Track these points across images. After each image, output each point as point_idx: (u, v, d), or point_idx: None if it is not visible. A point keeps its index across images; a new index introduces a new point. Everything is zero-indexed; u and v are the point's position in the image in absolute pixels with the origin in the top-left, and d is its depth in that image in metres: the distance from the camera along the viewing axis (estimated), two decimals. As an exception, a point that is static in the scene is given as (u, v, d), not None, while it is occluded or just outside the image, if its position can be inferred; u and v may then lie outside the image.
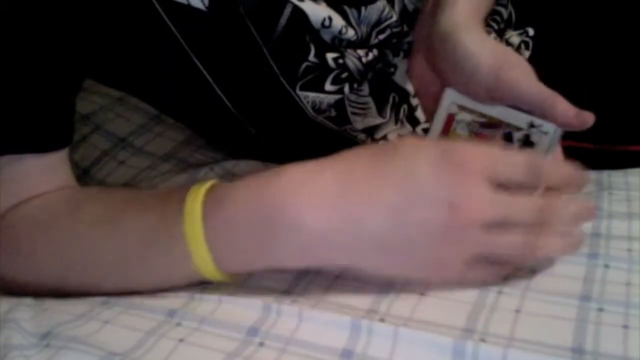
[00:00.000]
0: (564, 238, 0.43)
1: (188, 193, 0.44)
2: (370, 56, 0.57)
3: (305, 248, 0.41)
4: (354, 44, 0.56)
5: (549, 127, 0.46)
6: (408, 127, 0.65)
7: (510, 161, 0.42)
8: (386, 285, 0.44)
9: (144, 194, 0.48)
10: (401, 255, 0.41)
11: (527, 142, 0.47)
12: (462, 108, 0.49)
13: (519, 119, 0.47)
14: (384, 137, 0.65)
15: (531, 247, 0.42)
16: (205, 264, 0.43)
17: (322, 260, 0.42)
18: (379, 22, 0.57)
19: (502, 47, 0.47)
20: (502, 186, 0.41)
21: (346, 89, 0.57)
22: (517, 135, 0.47)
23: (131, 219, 0.45)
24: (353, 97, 0.59)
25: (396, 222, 0.40)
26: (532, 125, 0.46)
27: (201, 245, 0.42)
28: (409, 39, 0.59)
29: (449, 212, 0.39)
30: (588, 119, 0.44)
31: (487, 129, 0.48)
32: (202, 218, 0.42)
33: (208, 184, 0.44)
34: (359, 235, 0.40)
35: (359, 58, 0.57)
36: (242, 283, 0.45)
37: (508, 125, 0.47)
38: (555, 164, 0.45)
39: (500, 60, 0.46)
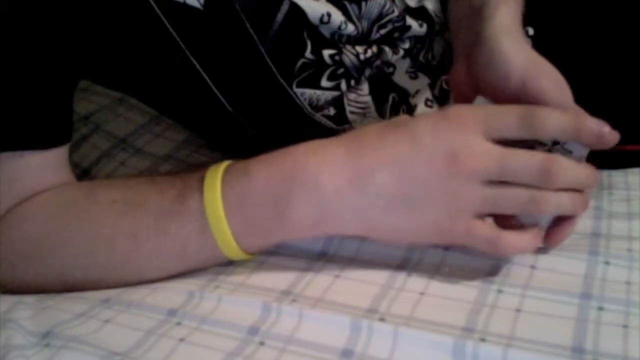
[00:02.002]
0: (569, 195, 0.42)
1: (206, 172, 0.45)
2: (369, 53, 0.57)
3: (320, 209, 0.43)
4: (355, 39, 0.56)
5: (573, 146, 0.45)
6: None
7: (503, 111, 0.43)
8: (386, 285, 0.44)
9: (159, 177, 0.49)
10: (407, 213, 0.42)
11: None
12: None
13: None
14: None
15: (536, 202, 0.41)
16: (224, 238, 0.44)
17: (335, 224, 0.44)
18: (380, 17, 0.57)
19: (538, 57, 0.47)
20: (503, 144, 0.42)
21: (343, 85, 0.57)
22: (540, 151, 0.46)
23: (148, 199, 0.46)
24: (352, 96, 0.59)
25: (401, 178, 0.42)
26: (555, 142, 0.46)
27: (220, 219, 0.44)
28: (409, 34, 0.59)
29: (447, 162, 0.41)
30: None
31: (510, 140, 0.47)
32: (221, 194, 0.44)
33: (225, 163, 0.46)
34: (367, 191, 0.42)
35: (357, 55, 0.57)
36: (242, 283, 0.45)
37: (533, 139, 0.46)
38: (551, 111, 0.43)
39: (532, 70, 0.45)
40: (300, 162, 0.44)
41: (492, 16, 0.49)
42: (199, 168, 0.61)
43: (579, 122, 0.42)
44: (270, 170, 0.44)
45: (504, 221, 0.44)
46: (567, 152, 0.46)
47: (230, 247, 0.45)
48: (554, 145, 0.46)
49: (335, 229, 0.44)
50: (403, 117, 0.45)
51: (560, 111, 0.43)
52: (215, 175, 0.45)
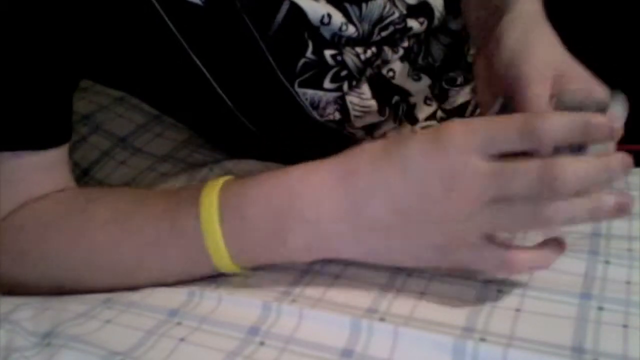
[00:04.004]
0: (585, 200, 0.37)
1: (202, 192, 0.45)
2: (369, 53, 0.57)
3: (317, 238, 0.43)
4: (355, 41, 0.56)
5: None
6: (407, 125, 0.65)
7: (500, 123, 0.39)
8: (386, 285, 0.44)
9: (152, 194, 0.49)
10: (405, 239, 0.41)
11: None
12: None
13: None
14: (383, 135, 0.65)
15: (543, 215, 0.37)
16: (222, 260, 0.44)
17: (331, 252, 0.44)
18: (381, 19, 0.57)
19: (533, 45, 0.45)
20: (505, 157, 0.38)
21: (345, 86, 0.58)
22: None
23: (142, 221, 0.46)
24: (356, 99, 0.60)
25: (395, 206, 0.40)
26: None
27: (219, 243, 0.43)
28: (411, 33, 0.59)
29: (441, 187, 0.39)
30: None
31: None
32: (219, 219, 0.43)
33: (220, 182, 0.45)
34: (362, 219, 0.41)
35: (357, 55, 0.57)
36: (242, 282, 0.45)
37: None
38: (550, 115, 0.39)
39: (519, 53, 0.44)
40: (296, 192, 0.43)
41: (507, 12, 0.48)
42: (205, 171, 0.61)
43: (584, 121, 0.37)
44: (266, 201, 0.44)
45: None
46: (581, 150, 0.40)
47: (227, 267, 0.45)
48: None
49: (331, 254, 0.44)
50: (395, 139, 0.42)
51: (561, 114, 0.39)
52: (211, 203, 0.44)
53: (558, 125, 0.37)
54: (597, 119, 0.38)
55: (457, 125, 0.40)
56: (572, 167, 0.37)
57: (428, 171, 0.39)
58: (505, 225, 0.39)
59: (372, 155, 0.42)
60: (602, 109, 0.42)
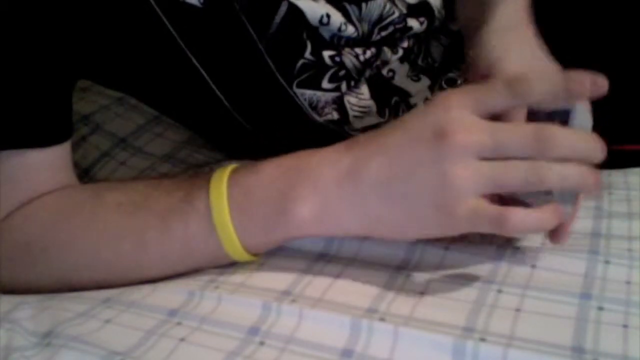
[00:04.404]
0: (574, 165, 0.39)
1: (214, 172, 0.46)
2: (368, 54, 0.57)
3: (322, 202, 0.43)
4: (355, 41, 0.56)
5: (572, 121, 0.43)
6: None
7: (488, 85, 0.41)
8: (386, 285, 0.44)
9: (166, 179, 0.50)
10: (403, 202, 0.41)
11: None
12: None
13: None
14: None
15: (537, 172, 0.39)
16: (229, 237, 0.44)
17: (336, 219, 0.43)
18: (380, 18, 0.57)
19: (513, 47, 0.47)
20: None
21: (343, 86, 0.58)
22: None
23: (155, 200, 0.47)
24: (354, 100, 0.59)
25: (392, 164, 0.42)
26: (551, 117, 0.43)
27: (225, 217, 0.44)
28: (411, 32, 0.59)
29: (435, 140, 0.40)
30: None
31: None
32: (227, 192, 0.44)
33: (233, 164, 0.47)
34: (362, 181, 0.42)
35: (357, 56, 0.57)
36: (242, 283, 0.45)
37: None
38: (535, 76, 0.41)
39: (498, 53, 0.46)
40: (304, 157, 0.45)
41: (488, 20, 0.50)
42: (207, 169, 0.61)
43: (565, 78, 0.40)
44: (276, 165, 0.45)
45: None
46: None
47: (234, 247, 0.45)
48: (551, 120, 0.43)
49: (336, 224, 0.44)
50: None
51: (546, 76, 0.41)
52: (223, 175, 0.45)
53: (542, 82, 0.40)
54: (578, 74, 0.40)
55: (452, 90, 0.42)
56: (563, 132, 0.40)
57: (423, 127, 0.41)
58: (499, 183, 0.39)
59: (375, 131, 0.44)
60: (565, 112, 0.43)
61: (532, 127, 0.40)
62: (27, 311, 0.44)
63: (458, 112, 0.40)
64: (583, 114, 0.44)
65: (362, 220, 0.43)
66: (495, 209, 0.39)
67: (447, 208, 0.40)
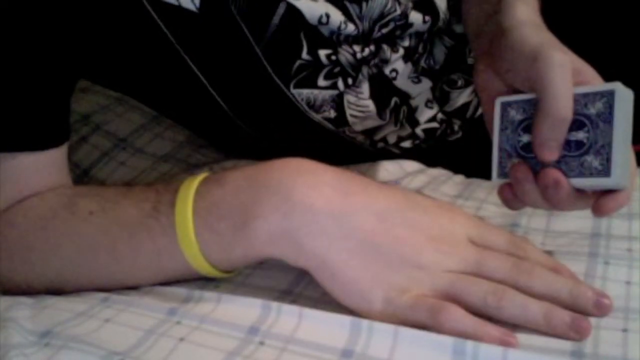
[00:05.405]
0: (543, 304, 0.39)
1: (182, 184, 0.44)
2: (366, 51, 0.57)
3: (285, 223, 0.41)
4: (355, 39, 0.56)
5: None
6: (408, 128, 0.65)
7: (495, 229, 0.44)
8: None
9: (137, 187, 0.48)
10: (369, 263, 0.41)
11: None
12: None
13: None
14: (383, 138, 0.65)
15: (498, 295, 0.39)
16: (192, 252, 0.43)
17: (294, 245, 0.41)
18: (381, 16, 0.56)
19: (555, 40, 0.45)
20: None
21: (340, 83, 0.57)
22: None
23: (124, 212, 0.45)
24: (352, 99, 0.59)
25: (381, 226, 0.41)
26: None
27: (189, 232, 0.43)
28: (411, 31, 0.59)
29: (430, 238, 0.42)
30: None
31: None
32: (192, 207, 0.43)
33: (202, 175, 0.45)
34: (345, 223, 0.41)
35: (353, 54, 0.57)
36: (242, 282, 0.45)
37: None
38: (537, 252, 0.44)
39: (544, 47, 0.43)
40: (276, 172, 0.43)
41: (510, 11, 0.48)
42: (206, 169, 0.61)
43: (575, 286, 0.40)
44: (243, 176, 0.43)
45: None
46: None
47: (200, 264, 0.44)
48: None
49: (290, 251, 0.41)
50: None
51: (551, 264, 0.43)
52: (189, 187, 0.44)
53: (538, 254, 0.43)
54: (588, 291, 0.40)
55: (462, 211, 0.45)
56: (543, 272, 0.41)
57: (425, 218, 0.43)
58: (460, 292, 0.40)
59: (376, 182, 0.45)
60: (610, 104, 0.42)
61: (514, 261, 0.42)
62: (25, 311, 0.44)
63: (458, 229, 0.43)
64: (626, 100, 0.42)
65: (318, 257, 0.41)
66: (439, 301, 0.40)
67: (402, 287, 0.40)
